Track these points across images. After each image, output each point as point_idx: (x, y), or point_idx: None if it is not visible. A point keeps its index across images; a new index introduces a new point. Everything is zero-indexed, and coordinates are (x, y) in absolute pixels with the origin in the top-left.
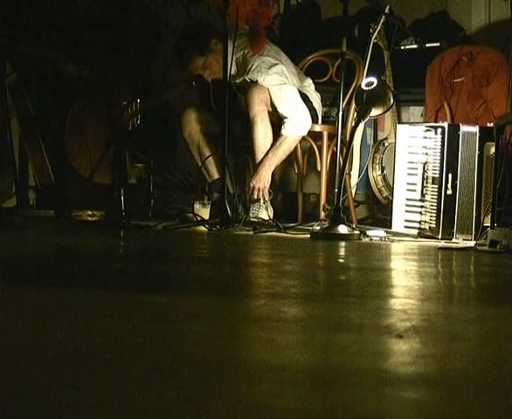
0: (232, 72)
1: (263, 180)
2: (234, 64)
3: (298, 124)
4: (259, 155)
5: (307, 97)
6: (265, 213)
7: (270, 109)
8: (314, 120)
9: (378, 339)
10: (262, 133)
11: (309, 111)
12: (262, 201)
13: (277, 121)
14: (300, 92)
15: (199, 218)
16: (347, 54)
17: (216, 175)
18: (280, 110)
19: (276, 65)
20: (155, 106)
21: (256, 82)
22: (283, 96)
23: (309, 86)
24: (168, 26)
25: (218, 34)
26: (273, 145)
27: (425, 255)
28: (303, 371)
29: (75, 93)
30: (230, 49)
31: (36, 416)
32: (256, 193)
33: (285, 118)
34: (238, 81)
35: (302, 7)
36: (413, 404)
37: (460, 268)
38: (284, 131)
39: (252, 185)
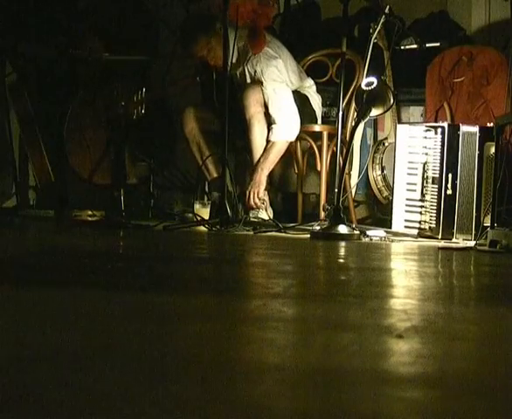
0: (234, 61)
1: (258, 185)
2: (236, 52)
3: (285, 130)
4: (258, 156)
5: (307, 98)
6: (264, 213)
7: (264, 109)
8: (313, 121)
9: (378, 339)
10: (260, 134)
11: (308, 112)
12: (262, 205)
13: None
14: (299, 92)
15: (199, 218)
16: (347, 54)
17: (215, 174)
18: (271, 112)
19: (276, 58)
20: (158, 100)
21: (251, 83)
22: (276, 99)
23: (310, 87)
24: (168, 26)
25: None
26: (264, 150)
27: (425, 255)
28: (303, 371)
29: (74, 93)
30: (231, 39)
31: (36, 416)
32: (253, 196)
33: (274, 123)
34: (238, 72)
35: (302, 7)
36: (413, 404)
37: (460, 268)
38: (272, 137)
39: (248, 192)
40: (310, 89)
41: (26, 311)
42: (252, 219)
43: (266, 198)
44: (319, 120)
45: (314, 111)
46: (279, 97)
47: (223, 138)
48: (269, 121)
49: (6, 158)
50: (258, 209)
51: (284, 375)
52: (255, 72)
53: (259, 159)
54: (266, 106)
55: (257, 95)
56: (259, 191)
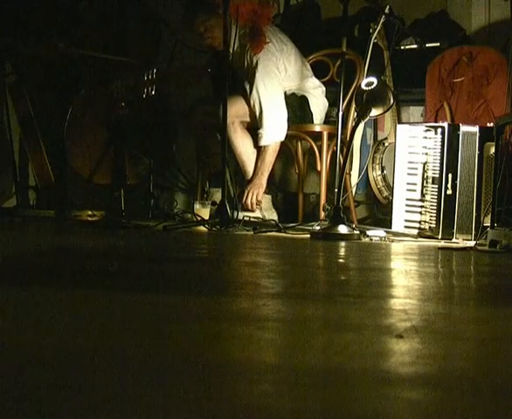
0: (235, 49)
1: (259, 187)
2: (237, 41)
3: (272, 133)
4: (241, 164)
5: (306, 99)
6: (258, 214)
7: (246, 118)
8: (310, 122)
9: (378, 339)
10: (239, 143)
11: (303, 114)
12: (256, 208)
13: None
14: (296, 94)
15: (199, 218)
16: (347, 54)
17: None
18: (256, 117)
19: (275, 54)
20: (158, 100)
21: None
22: (259, 106)
23: (315, 88)
24: (168, 26)
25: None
26: (259, 156)
27: (425, 255)
28: (303, 371)
29: (75, 93)
30: (232, 33)
31: (36, 417)
32: (251, 196)
33: (260, 128)
34: (239, 61)
35: (302, 7)
36: (413, 404)
37: (460, 268)
38: (260, 142)
39: (247, 191)
40: (314, 90)
41: (26, 311)
42: (252, 219)
43: (264, 200)
44: (316, 122)
45: (312, 113)
46: (264, 99)
47: (223, 137)
48: (254, 126)
49: (6, 158)
50: (252, 210)
51: (284, 375)
52: (251, 62)
53: (257, 163)
54: (250, 113)
55: (231, 108)
56: (258, 193)
